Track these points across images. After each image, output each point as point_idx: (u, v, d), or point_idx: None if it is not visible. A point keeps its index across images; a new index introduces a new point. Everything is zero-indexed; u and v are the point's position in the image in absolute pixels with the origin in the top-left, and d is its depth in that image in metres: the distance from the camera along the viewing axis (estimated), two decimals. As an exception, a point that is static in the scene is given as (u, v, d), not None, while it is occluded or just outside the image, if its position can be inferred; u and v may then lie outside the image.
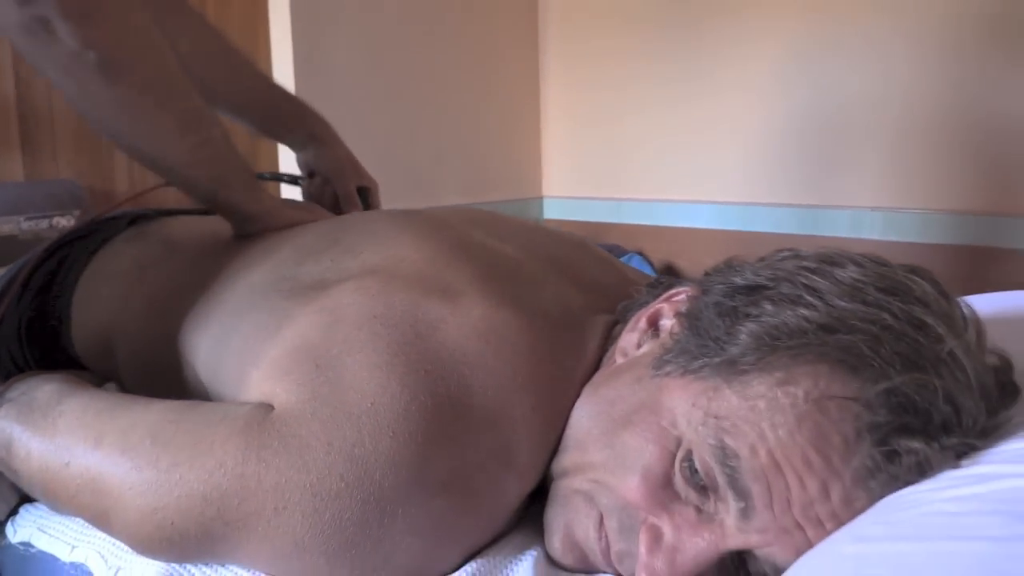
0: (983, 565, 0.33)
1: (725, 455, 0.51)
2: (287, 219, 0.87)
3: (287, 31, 2.07)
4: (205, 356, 0.73)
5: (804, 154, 2.20)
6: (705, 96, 2.35)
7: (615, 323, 0.70)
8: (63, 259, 0.91)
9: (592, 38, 2.59)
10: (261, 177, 1.02)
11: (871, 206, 2.04)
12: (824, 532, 0.49)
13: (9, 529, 0.73)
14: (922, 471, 0.48)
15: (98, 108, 0.73)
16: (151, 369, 0.80)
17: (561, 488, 0.61)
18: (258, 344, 0.65)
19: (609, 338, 0.68)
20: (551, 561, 0.60)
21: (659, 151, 2.46)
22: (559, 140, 2.71)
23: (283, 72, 2.10)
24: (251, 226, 0.86)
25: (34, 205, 2.77)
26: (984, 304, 0.66)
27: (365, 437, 0.55)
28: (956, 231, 1.96)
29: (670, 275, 0.88)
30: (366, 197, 1.13)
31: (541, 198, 2.70)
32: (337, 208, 1.10)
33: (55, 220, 2.81)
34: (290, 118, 1.11)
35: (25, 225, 2.74)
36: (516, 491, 0.60)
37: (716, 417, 0.53)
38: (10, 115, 2.96)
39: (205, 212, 0.98)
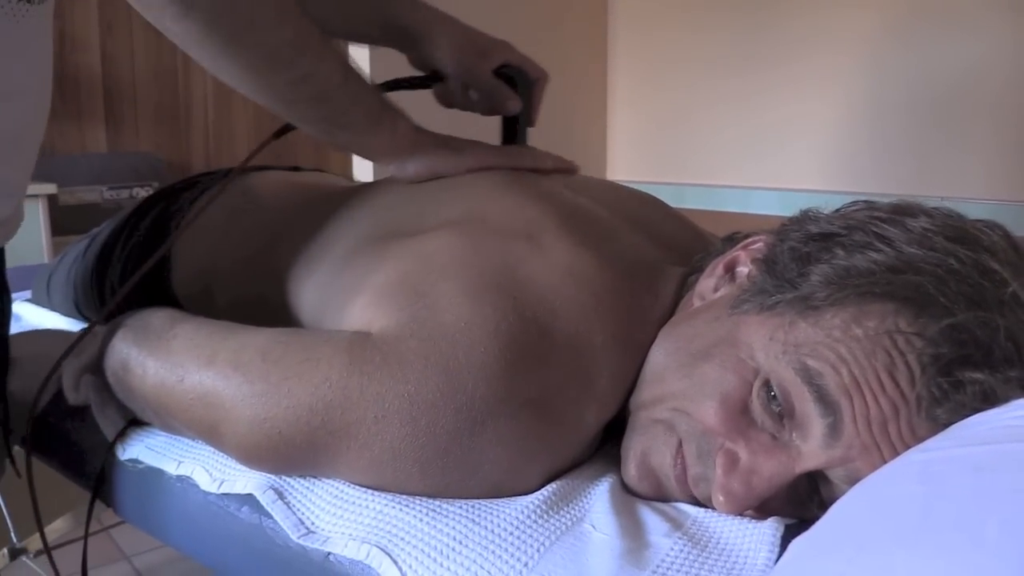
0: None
1: (810, 375, 0.54)
2: (427, 169, 0.80)
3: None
4: (309, 297, 0.78)
5: (873, 141, 2.20)
6: (772, 81, 2.36)
7: (690, 273, 0.73)
8: (166, 208, 0.98)
9: (660, 24, 2.60)
10: (387, 87, 0.86)
11: (940, 195, 2.03)
12: (895, 454, 0.51)
13: (118, 448, 0.78)
14: (987, 399, 0.50)
15: (178, 41, 0.67)
16: (249, 312, 0.85)
17: (641, 418, 0.64)
18: (355, 279, 0.70)
19: (684, 286, 0.72)
20: (626, 489, 0.64)
21: (724, 136, 2.47)
22: (624, 124, 2.73)
23: (358, 56, 2.15)
24: (388, 167, 0.80)
25: (116, 176, 2.89)
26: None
27: (459, 352, 0.59)
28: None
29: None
30: (516, 77, 0.89)
31: (605, 182, 2.72)
32: (491, 106, 0.91)
33: (135, 191, 2.93)
34: (375, 19, 0.91)
35: (107, 194, 2.87)
36: (594, 417, 0.64)
37: (795, 345, 0.56)
38: (96, 90, 3.09)
39: (295, 168, 1.03)
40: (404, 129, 0.79)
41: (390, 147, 0.79)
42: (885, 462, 0.51)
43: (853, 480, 0.52)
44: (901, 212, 0.60)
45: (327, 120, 0.76)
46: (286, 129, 0.81)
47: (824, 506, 0.55)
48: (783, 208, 2.28)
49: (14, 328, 1.03)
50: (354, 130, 0.77)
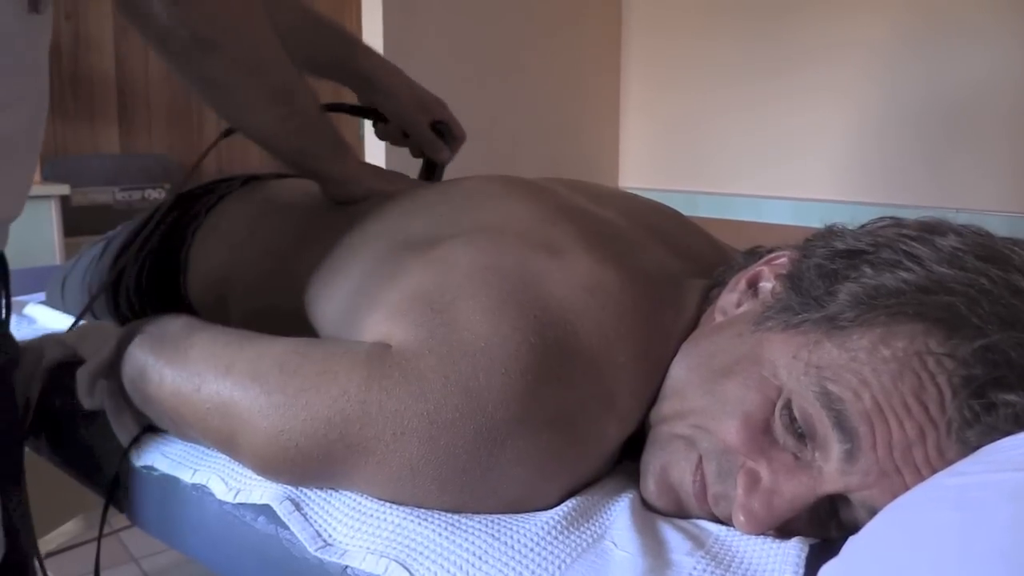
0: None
1: (830, 400, 0.53)
2: (366, 189, 0.90)
3: (378, 17, 2.11)
4: (319, 305, 0.77)
5: (886, 150, 2.18)
6: (786, 90, 2.35)
7: (712, 287, 0.72)
8: (183, 214, 0.97)
9: (674, 30, 2.60)
10: (331, 108, 0.99)
11: (956, 207, 2.02)
12: (920, 478, 0.50)
13: (133, 454, 0.78)
14: (1018, 422, 0.49)
15: (190, 81, 0.77)
16: (264, 321, 0.84)
17: (661, 433, 0.63)
18: (373, 291, 0.69)
19: (706, 300, 0.71)
20: (645, 505, 0.63)
21: (738, 145, 2.46)
22: (637, 132, 2.72)
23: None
24: (336, 190, 0.90)
25: (128, 177, 2.90)
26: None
27: (479, 372, 0.58)
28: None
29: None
30: (445, 132, 1.07)
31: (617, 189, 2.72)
32: (422, 151, 1.07)
33: (147, 192, 2.94)
34: (338, 61, 1.03)
35: (120, 196, 2.88)
36: (615, 434, 0.63)
37: (818, 367, 0.55)
38: (109, 91, 3.11)
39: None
40: (353, 159, 0.90)
41: (344, 174, 0.89)
42: (907, 487, 0.50)
43: (869, 506, 0.52)
44: (930, 230, 0.59)
45: (301, 151, 0.86)
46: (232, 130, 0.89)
47: (842, 528, 0.55)
48: (796, 218, 2.29)
49: (27, 331, 1.03)
50: (322, 159, 0.88)
